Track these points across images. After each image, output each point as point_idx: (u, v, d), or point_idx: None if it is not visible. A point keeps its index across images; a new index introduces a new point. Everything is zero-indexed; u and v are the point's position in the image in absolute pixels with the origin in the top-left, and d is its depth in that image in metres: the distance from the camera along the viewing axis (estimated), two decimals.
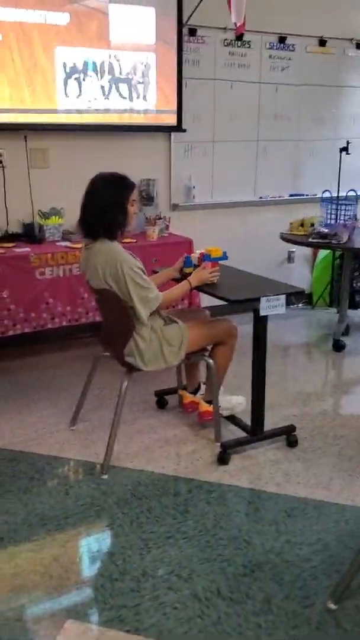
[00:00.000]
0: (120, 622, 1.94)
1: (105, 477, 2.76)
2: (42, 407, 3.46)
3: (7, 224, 4.10)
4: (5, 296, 3.66)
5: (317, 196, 5.15)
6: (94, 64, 4.12)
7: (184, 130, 4.57)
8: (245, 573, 2.16)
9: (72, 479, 2.76)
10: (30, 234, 4.06)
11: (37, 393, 3.63)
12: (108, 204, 2.65)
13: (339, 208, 4.70)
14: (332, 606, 2.00)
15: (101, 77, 4.16)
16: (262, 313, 2.74)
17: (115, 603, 2.02)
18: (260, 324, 2.81)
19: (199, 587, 2.09)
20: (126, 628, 1.91)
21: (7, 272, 3.65)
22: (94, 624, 1.94)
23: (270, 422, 3.18)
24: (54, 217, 4.13)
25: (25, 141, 4.06)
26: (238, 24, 4.06)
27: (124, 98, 4.27)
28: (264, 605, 2.01)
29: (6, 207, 4.08)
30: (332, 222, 4.65)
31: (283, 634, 1.90)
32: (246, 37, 4.70)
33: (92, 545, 2.34)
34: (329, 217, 4.74)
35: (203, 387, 3.26)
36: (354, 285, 5.08)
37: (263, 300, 2.72)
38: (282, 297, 2.78)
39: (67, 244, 3.96)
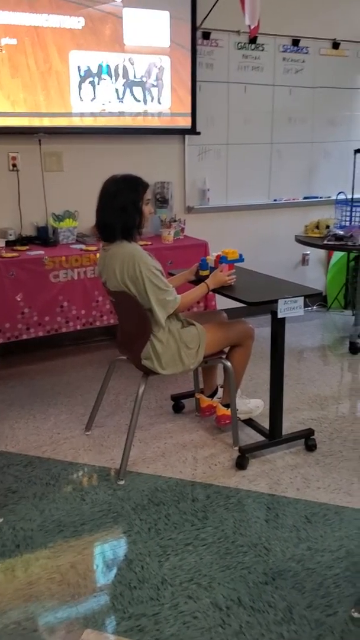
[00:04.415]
0: (140, 631, 1.90)
1: (122, 482, 2.72)
2: (57, 412, 3.43)
3: (21, 227, 4.09)
4: (19, 299, 3.64)
5: (331, 198, 5.11)
6: (108, 67, 4.11)
7: (198, 133, 4.55)
8: (267, 581, 2.12)
9: (88, 485, 2.73)
10: (44, 237, 4.04)
11: (51, 398, 3.61)
12: (124, 205, 2.62)
13: (353, 210, 4.65)
14: (356, 615, 1.95)
15: (115, 80, 4.15)
16: (280, 315, 2.70)
17: (134, 612, 1.98)
18: (278, 326, 2.77)
19: (220, 596, 2.05)
20: (146, 638, 1.87)
21: (21, 276, 3.63)
22: (113, 634, 1.90)
23: (288, 425, 3.14)
24: (67, 219, 4.12)
25: (40, 145, 4.05)
26: (252, 27, 4.03)
27: (138, 101, 4.26)
28: (286, 614, 1.97)
29: (20, 210, 4.07)
30: (347, 224, 4.60)
31: None
32: (260, 40, 4.68)
33: (110, 552, 2.30)
34: (343, 219, 4.70)
35: (220, 390, 3.22)
36: None
37: (281, 302, 2.68)
38: (300, 299, 2.73)
39: (81, 246, 3.94)
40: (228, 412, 3.02)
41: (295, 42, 4.87)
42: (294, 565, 2.19)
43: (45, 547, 2.30)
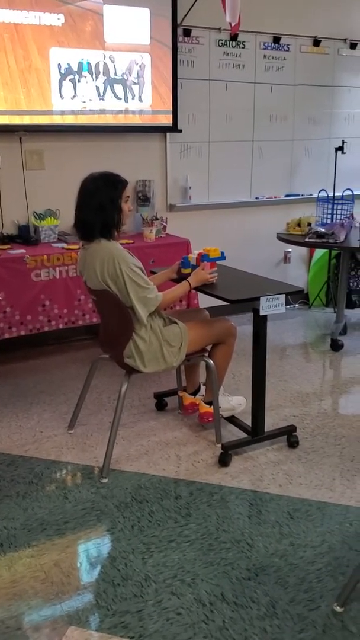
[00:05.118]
0: (124, 628, 1.91)
1: (105, 480, 2.72)
2: (40, 411, 3.42)
3: (2, 226, 4.06)
4: (0, 299, 3.62)
5: (312, 196, 5.14)
6: (89, 64, 4.09)
7: (180, 131, 4.55)
8: (250, 577, 2.13)
9: (71, 483, 2.73)
10: (25, 236, 4.02)
11: (34, 397, 3.60)
12: (102, 203, 2.61)
13: (335, 207, 4.68)
14: (338, 609, 1.98)
15: (96, 77, 4.14)
16: (262, 313, 2.71)
17: (118, 609, 1.99)
18: (260, 323, 2.79)
19: (203, 592, 2.06)
20: (130, 634, 1.88)
21: (2, 274, 3.61)
22: (97, 631, 1.91)
23: (271, 422, 3.16)
24: (49, 218, 4.10)
25: (21, 143, 4.02)
26: (233, 24, 4.05)
27: (119, 99, 4.25)
28: (269, 609, 1.98)
29: (1, 208, 4.05)
30: (329, 221, 4.63)
31: (289, 638, 1.87)
32: (240, 38, 4.69)
33: (93, 550, 2.30)
34: (325, 216, 4.73)
35: (203, 388, 3.23)
36: (350, 284, 5.07)
37: (263, 299, 2.70)
38: (282, 297, 2.75)
39: (63, 245, 3.93)
40: (211, 409, 3.03)
41: (276, 40, 4.89)
42: (277, 560, 2.21)
43: (28, 546, 2.30)
